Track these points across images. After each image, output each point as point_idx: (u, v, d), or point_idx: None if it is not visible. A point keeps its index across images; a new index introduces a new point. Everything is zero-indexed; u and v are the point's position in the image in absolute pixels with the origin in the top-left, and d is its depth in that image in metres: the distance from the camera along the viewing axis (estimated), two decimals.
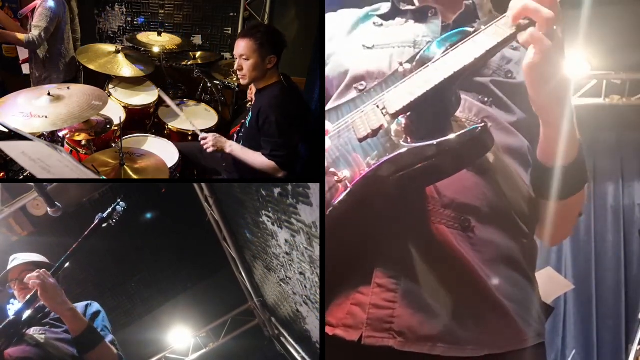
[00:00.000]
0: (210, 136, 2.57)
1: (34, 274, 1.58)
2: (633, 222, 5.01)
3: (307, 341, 3.33)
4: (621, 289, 4.90)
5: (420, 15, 1.30)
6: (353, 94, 1.21)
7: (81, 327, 1.59)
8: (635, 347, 3.62)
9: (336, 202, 1.03)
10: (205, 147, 2.56)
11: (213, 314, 4.62)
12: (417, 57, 1.11)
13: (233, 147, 2.55)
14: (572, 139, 1.07)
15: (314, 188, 1.90)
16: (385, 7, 1.38)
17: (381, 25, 1.34)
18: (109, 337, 1.69)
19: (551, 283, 3.55)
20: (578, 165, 1.10)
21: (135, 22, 4.23)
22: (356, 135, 1.08)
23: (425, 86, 1.02)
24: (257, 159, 2.47)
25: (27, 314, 1.63)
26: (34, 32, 3.08)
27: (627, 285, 4.91)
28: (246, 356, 4.70)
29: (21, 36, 3.09)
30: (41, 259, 1.87)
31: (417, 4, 1.34)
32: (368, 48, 1.27)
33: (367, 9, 1.41)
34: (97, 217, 1.79)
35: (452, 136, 0.97)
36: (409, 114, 1.05)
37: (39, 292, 1.56)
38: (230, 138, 2.92)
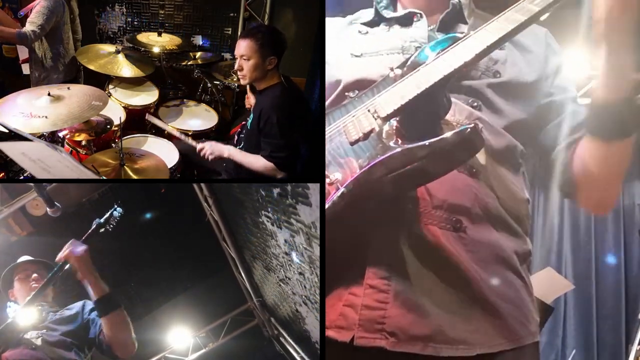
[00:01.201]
0: (207, 145, 2.59)
1: (66, 245, 1.67)
2: (633, 222, 5.00)
3: (306, 341, 3.33)
4: (621, 289, 4.89)
5: (404, 21, 1.31)
6: (344, 102, 1.21)
7: (104, 291, 1.70)
8: (635, 347, 3.62)
9: (328, 204, 1.03)
10: (205, 156, 2.59)
11: (212, 314, 4.61)
12: (409, 62, 1.13)
13: (231, 151, 2.56)
14: (632, 73, 1.02)
15: (313, 188, 1.90)
16: (367, 15, 1.39)
17: (366, 33, 1.34)
18: None
19: (551, 283, 3.55)
20: (634, 102, 1.05)
21: (136, 23, 4.23)
22: (348, 139, 1.09)
23: (415, 90, 1.03)
24: (256, 161, 2.47)
25: (25, 317, 1.64)
26: (28, 27, 3.04)
27: (627, 285, 4.90)
28: (245, 356, 4.69)
29: (13, 30, 3.07)
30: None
31: (400, 9, 1.34)
32: (356, 56, 1.28)
33: (349, 18, 1.41)
34: (94, 222, 1.81)
35: (441, 137, 0.98)
36: (399, 117, 1.06)
37: (72, 258, 1.66)
38: (230, 138, 2.93)
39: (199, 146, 2.62)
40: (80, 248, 1.68)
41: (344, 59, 1.29)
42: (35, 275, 1.84)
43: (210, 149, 2.57)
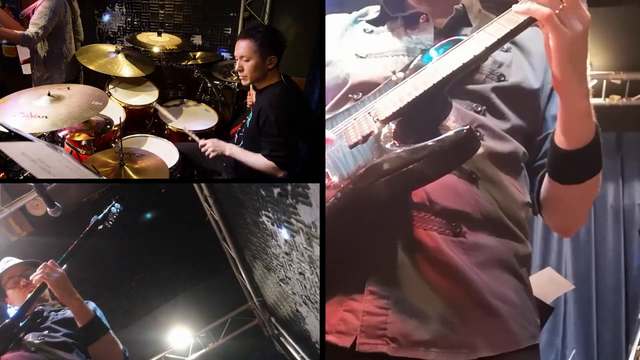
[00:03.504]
0: (209, 142, 2.58)
1: (39, 269, 1.59)
2: (633, 222, 5.01)
3: (306, 341, 3.33)
4: (621, 289, 4.90)
5: (410, 21, 1.29)
6: (348, 104, 1.21)
7: (88, 317, 1.61)
8: (635, 347, 3.62)
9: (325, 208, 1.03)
10: (206, 153, 2.58)
11: (213, 314, 4.62)
12: (411, 65, 1.12)
13: (233, 150, 2.56)
14: (588, 120, 1.07)
15: (314, 188, 1.90)
16: (373, 12, 1.37)
17: (371, 32, 1.33)
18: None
19: (551, 283, 3.55)
20: (594, 147, 1.09)
21: (135, 23, 4.23)
22: (347, 142, 1.09)
23: (414, 92, 1.03)
24: (257, 160, 2.47)
25: (24, 318, 1.63)
26: (31, 29, 3.05)
27: (627, 285, 4.91)
28: (246, 356, 4.70)
29: (17, 32, 3.07)
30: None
31: (406, 9, 1.32)
32: (361, 57, 1.26)
33: (354, 14, 1.40)
34: (92, 219, 1.79)
35: (437, 139, 0.98)
36: (399, 119, 1.06)
37: (48, 283, 1.57)
38: (230, 138, 2.92)
39: (201, 142, 2.62)
40: (56, 274, 1.58)
41: (349, 59, 1.28)
42: (23, 280, 1.80)
43: (213, 146, 2.57)
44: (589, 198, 1.23)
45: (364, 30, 1.34)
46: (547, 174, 1.20)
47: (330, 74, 1.29)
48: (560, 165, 1.13)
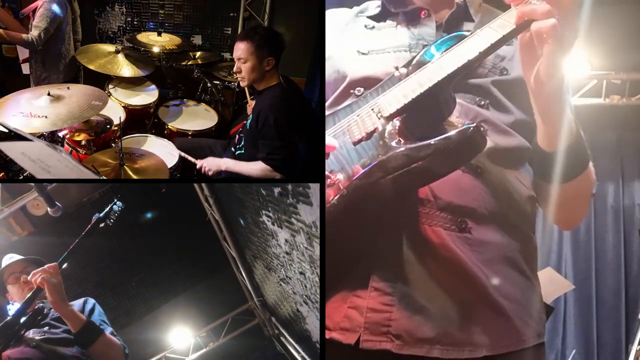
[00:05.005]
0: (205, 162, 2.63)
1: (40, 270, 1.59)
2: (633, 222, 5.01)
3: (307, 341, 3.33)
4: (621, 289, 4.90)
5: (412, 17, 1.29)
6: (350, 99, 1.20)
7: (80, 323, 1.62)
8: (635, 347, 3.62)
9: (328, 206, 1.03)
10: (204, 172, 2.63)
11: (213, 313, 4.62)
12: (414, 61, 1.11)
13: (228, 164, 2.60)
14: (568, 124, 1.06)
15: (314, 188, 1.90)
16: (373, 7, 1.36)
17: (373, 27, 1.32)
18: (108, 330, 1.71)
19: (551, 283, 3.55)
20: (577, 145, 1.09)
21: (135, 23, 4.23)
22: (351, 139, 1.08)
23: (419, 89, 1.02)
24: (252, 168, 2.49)
25: (25, 316, 1.63)
26: (34, 32, 3.07)
27: (627, 285, 4.91)
28: (246, 356, 4.70)
29: (21, 36, 3.09)
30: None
31: (407, 4, 1.31)
32: (363, 54, 1.25)
33: (355, 9, 1.39)
34: (94, 217, 1.79)
35: (443, 136, 0.97)
36: (403, 116, 1.05)
37: (46, 288, 1.57)
38: (231, 138, 2.93)
39: (198, 164, 2.65)
40: (55, 279, 1.58)
41: (350, 55, 1.27)
42: (24, 276, 1.81)
43: (208, 165, 2.62)
44: (582, 193, 1.21)
45: (365, 26, 1.33)
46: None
47: (331, 69, 1.28)
48: (546, 167, 1.12)
